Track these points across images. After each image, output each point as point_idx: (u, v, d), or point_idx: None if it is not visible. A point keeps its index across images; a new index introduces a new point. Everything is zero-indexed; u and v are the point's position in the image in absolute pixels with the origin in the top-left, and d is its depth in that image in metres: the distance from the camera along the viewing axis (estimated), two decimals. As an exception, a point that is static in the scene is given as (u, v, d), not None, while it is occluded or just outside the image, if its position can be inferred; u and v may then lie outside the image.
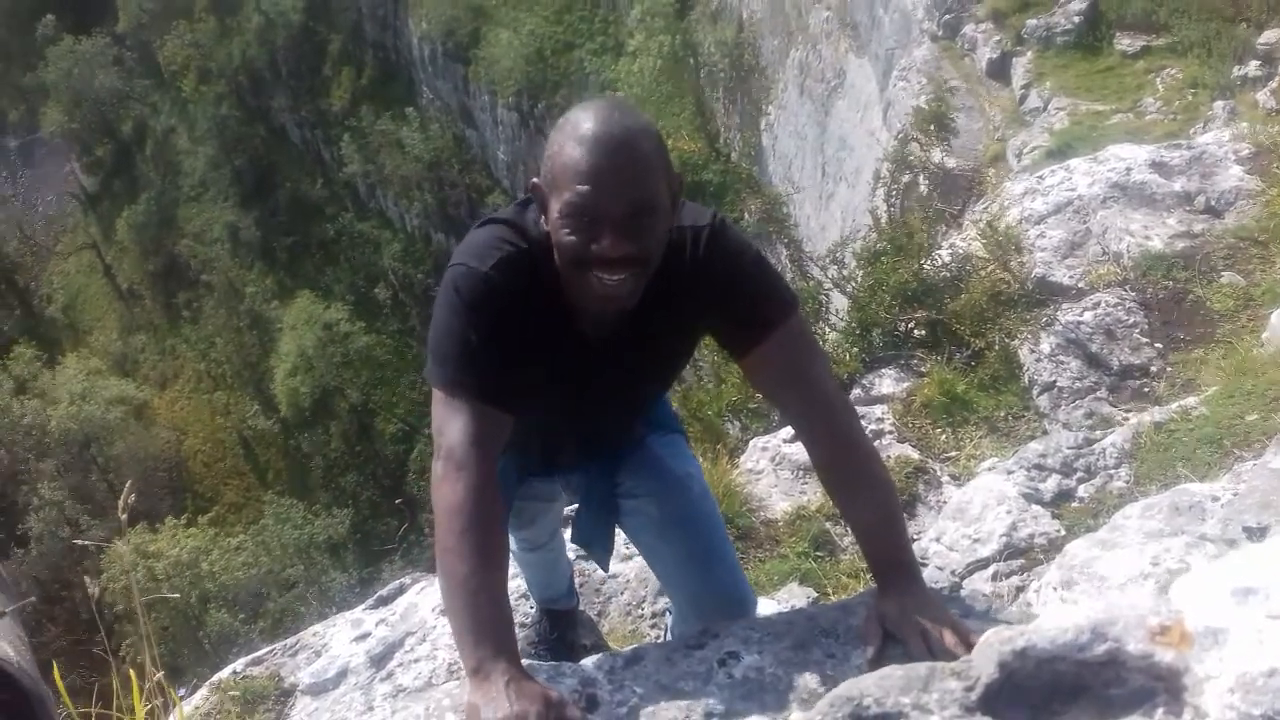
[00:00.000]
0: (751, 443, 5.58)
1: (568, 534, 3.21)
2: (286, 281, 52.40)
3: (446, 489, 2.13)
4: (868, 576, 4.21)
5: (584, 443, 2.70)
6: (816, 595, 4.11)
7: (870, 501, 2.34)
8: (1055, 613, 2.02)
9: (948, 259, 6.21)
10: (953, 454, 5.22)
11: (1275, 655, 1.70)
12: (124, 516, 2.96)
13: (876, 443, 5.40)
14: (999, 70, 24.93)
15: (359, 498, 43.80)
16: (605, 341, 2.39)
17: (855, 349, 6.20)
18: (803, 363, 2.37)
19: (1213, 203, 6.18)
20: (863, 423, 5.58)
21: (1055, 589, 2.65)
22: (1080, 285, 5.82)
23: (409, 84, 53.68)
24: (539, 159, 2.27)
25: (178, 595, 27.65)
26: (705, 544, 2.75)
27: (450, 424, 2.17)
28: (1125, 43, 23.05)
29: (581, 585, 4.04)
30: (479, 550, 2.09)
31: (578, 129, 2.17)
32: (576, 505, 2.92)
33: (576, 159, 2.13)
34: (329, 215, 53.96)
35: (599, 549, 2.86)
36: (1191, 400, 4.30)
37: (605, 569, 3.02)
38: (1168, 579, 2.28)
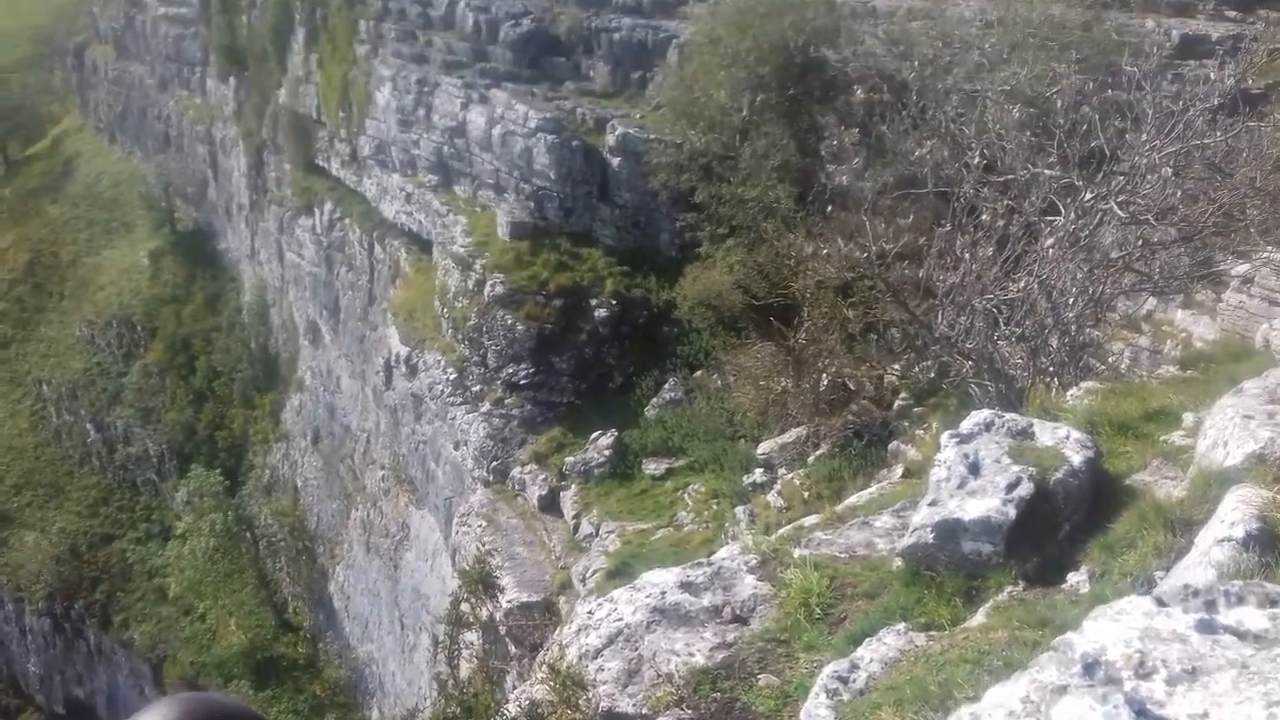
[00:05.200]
0: None
1: None
2: None
3: None
4: None
5: None
6: None
7: None
8: None
9: (517, 711, 6.24)
10: None
11: None
12: None
13: None
14: (550, 504, 26.89)
15: None
16: None
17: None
18: None
19: (738, 612, 6.86)
20: None
21: None
22: (644, 711, 6.06)
23: (-91, 607, 46.78)
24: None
25: None
26: None
27: None
28: (652, 467, 26.04)
29: None
30: None
31: None
32: None
33: None
34: None
35: None
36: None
37: None
38: None
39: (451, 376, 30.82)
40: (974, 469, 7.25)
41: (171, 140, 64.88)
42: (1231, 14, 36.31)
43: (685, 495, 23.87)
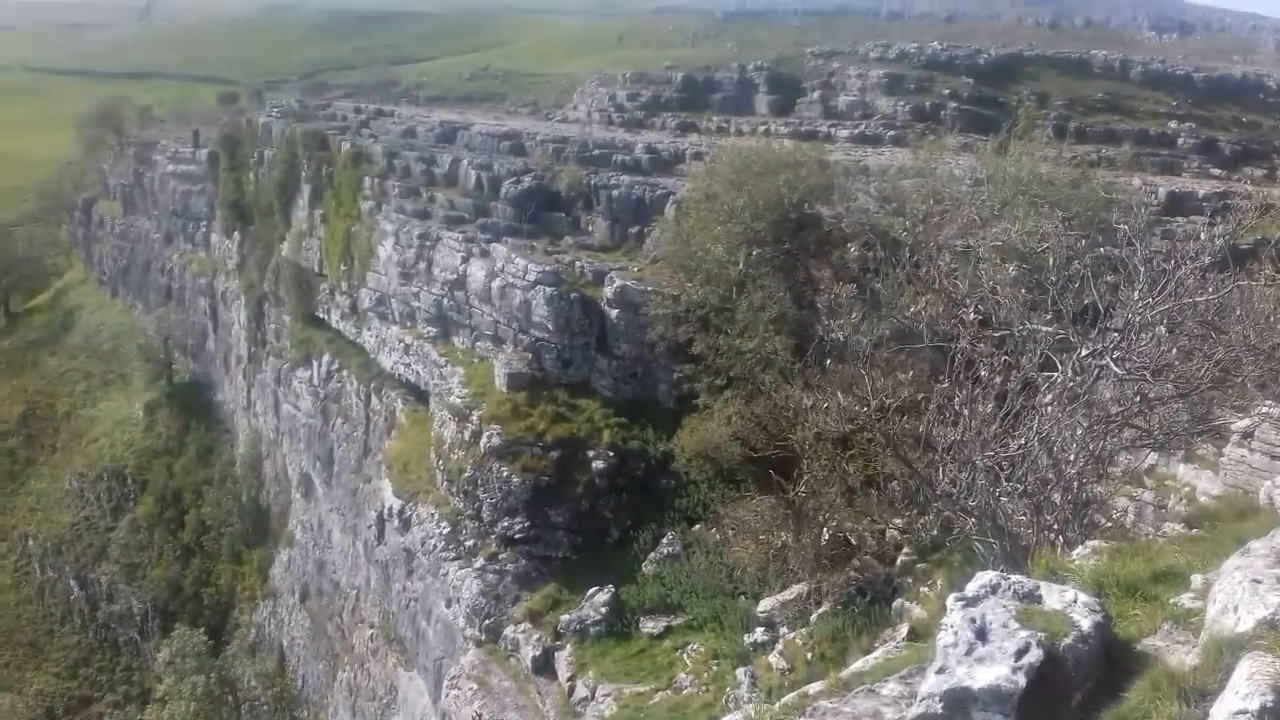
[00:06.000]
0: None
1: None
2: None
3: None
4: None
5: None
6: None
7: None
8: None
9: None
10: None
11: None
12: None
13: None
14: (544, 665, 26.01)
15: None
16: None
17: None
18: None
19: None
20: None
21: None
22: None
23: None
24: None
25: None
26: None
27: None
28: (650, 625, 25.33)
29: None
30: None
31: None
32: None
33: None
34: None
35: None
36: None
37: None
38: None
39: (445, 530, 30.31)
40: (981, 634, 7.01)
41: (173, 293, 65.90)
42: (1217, 172, 37.43)
43: (684, 655, 23.15)
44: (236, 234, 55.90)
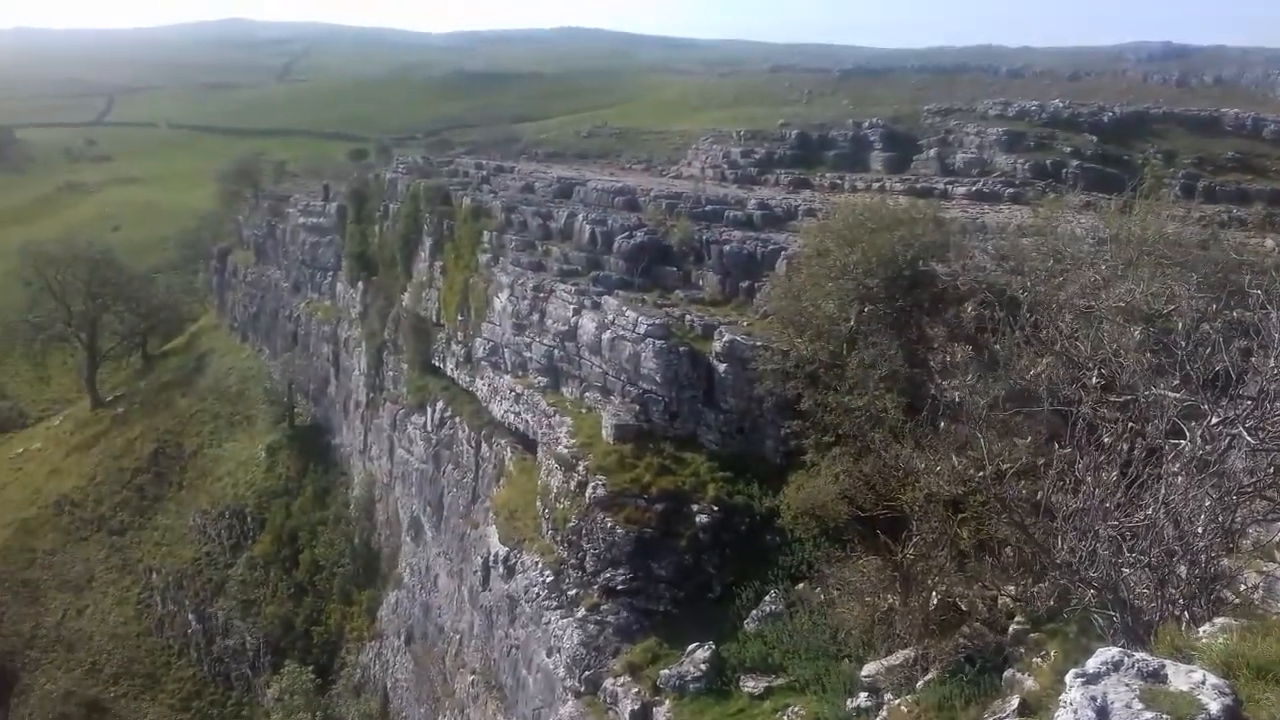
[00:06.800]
0: None
1: None
2: None
3: None
4: None
5: None
6: None
7: None
8: None
9: None
10: None
11: None
12: None
13: None
14: (642, 722, 25.73)
15: None
16: None
17: None
18: None
19: None
20: None
21: None
22: None
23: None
24: None
25: None
26: None
27: None
28: (750, 685, 24.83)
29: None
30: None
31: None
32: None
33: None
34: None
35: None
36: None
37: None
38: None
39: (548, 579, 30.41)
40: (1103, 714, 6.70)
41: (299, 339, 68.39)
42: (1354, 234, 35.60)
43: (785, 717, 22.60)
44: (360, 284, 57.83)
